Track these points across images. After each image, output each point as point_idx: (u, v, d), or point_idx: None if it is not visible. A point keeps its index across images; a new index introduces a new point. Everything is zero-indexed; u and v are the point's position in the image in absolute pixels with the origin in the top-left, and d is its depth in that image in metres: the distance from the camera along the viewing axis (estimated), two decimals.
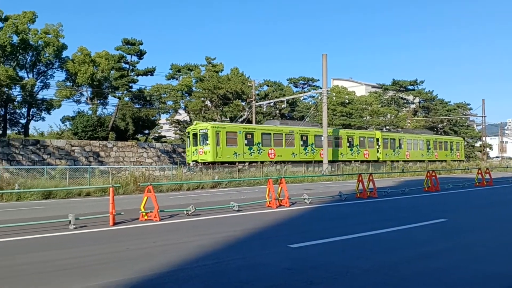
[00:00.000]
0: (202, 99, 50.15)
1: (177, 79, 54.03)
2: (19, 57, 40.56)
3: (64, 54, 42.83)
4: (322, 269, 5.92)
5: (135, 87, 49.14)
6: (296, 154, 35.33)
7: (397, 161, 44.86)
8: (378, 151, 44.05)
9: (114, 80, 46.06)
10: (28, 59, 41.90)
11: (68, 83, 44.83)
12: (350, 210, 12.74)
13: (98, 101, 47.10)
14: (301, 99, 59.67)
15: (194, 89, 51.42)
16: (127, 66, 47.94)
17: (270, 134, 34.05)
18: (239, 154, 31.63)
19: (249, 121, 43.21)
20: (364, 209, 13.10)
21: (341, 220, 10.67)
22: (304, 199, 14.25)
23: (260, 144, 32.98)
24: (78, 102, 47.25)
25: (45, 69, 43.59)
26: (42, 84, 43.49)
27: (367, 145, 42.84)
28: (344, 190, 17.29)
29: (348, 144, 40.99)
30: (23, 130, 44.66)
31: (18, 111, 43.29)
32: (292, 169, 33.26)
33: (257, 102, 47.61)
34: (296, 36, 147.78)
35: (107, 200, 15.48)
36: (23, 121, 44.42)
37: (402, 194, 17.34)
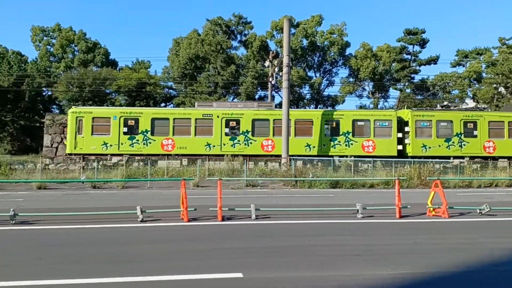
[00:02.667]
0: (495, 85, 44.63)
1: (463, 66, 49.87)
2: (308, 58, 45.39)
3: (347, 51, 45.60)
4: None
5: (416, 77, 48.05)
6: (214, 146, 26.11)
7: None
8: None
9: (395, 72, 46.19)
10: (315, 60, 46.38)
11: (350, 79, 47.39)
12: None
13: (379, 94, 48.02)
14: None
15: (484, 75, 46.40)
16: (409, 57, 47.28)
17: (167, 119, 26.11)
18: (111, 145, 25.36)
19: None
20: None
21: None
22: None
23: (149, 132, 25.85)
24: (360, 97, 49.38)
25: (330, 68, 47.31)
26: (327, 82, 47.43)
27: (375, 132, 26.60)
28: None
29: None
30: None
31: (306, 107, 48.51)
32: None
33: None
34: None
35: (390, 192, 15.62)
36: None
37: None
